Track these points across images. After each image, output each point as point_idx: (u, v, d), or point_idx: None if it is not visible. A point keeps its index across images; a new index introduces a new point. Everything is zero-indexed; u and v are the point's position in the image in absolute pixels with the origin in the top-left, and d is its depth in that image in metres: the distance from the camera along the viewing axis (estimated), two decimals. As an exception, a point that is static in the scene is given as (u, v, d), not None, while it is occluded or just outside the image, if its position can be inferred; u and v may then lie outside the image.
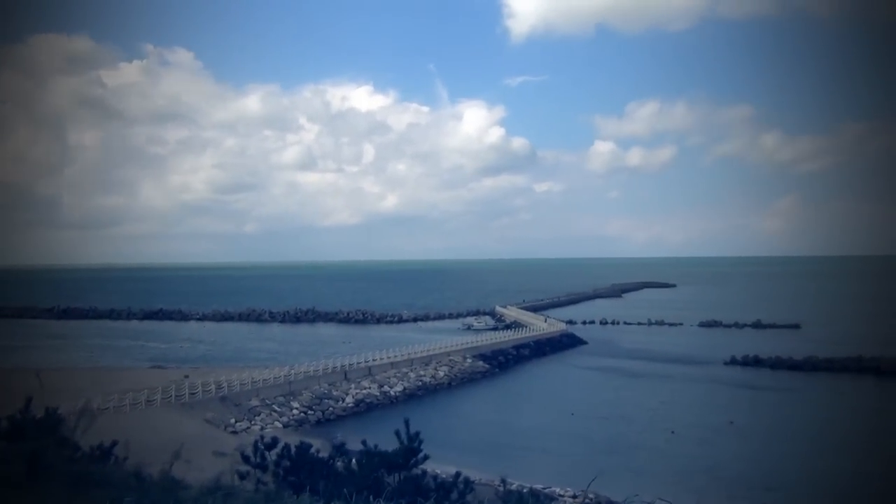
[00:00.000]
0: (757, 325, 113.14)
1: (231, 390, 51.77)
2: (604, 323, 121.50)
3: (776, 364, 74.20)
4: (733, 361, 76.48)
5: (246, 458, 12.51)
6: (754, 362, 75.55)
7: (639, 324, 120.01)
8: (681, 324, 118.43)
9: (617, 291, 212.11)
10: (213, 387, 51.24)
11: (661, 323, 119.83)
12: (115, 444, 11.86)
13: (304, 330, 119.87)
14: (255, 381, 53.91)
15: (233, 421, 47.62)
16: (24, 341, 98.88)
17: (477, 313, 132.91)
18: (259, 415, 49.65)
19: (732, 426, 49.04)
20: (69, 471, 7.50)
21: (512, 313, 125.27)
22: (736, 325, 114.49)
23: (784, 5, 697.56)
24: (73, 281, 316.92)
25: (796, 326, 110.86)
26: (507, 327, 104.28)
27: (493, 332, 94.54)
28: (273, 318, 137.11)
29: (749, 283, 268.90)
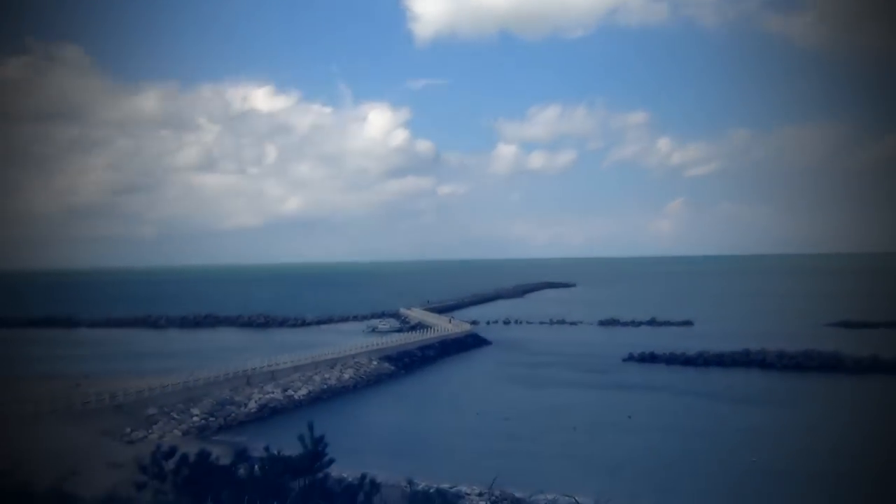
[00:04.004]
0: (652, 323, 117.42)
1: (127, 399, 49.81)
2: (507, 322, 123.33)
3: (671, 360, 77.22)
4: (631, 358, 79.10)
5: (143, 469, 12.09)
6: (650, 358, 78.36)
7: (541, 323, 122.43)
8: (581, 322, 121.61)
9: (519, 291, 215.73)
10: (106, 396, 49.16)
11: (562, 322, 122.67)
12: (-2, 458, 11.25)
13: (203, 335, 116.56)
14: (153, 389, 52.05)
15: (129, 431, 45.82)
16: None
17: (382, 315, 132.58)
18: (157, 423, 47.95)
19: (631, 421, 50.66)
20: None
21: (417, 315, 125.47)
22: (633, 322, 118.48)
23: (675, 16, 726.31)
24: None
25: (689, 323, 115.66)
26: (412, 329, 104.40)
27: (397, 334, 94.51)
28: (170, 323, 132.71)
29: (644, 282, 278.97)
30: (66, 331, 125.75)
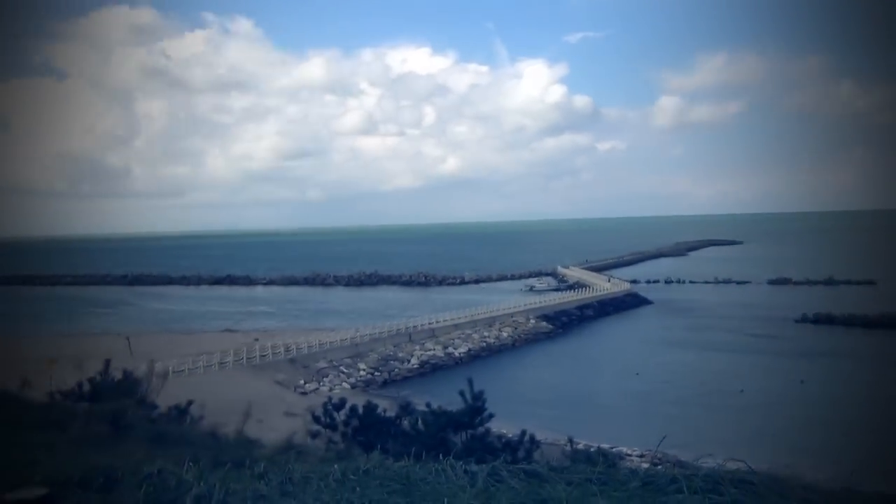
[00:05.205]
0: (829, 282, 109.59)
1: (299, 352, 53.02)
2: (668, 282, 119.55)
3: (849, 321, 71.99)
4: (804, 319, 74.49)
5: (316, 419, 12.85)
6: (827, 320, 73.43)
7: (705, 282, 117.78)
8: (749, 282, 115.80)
9: (681, 250, 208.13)
10: (282, 349, 52.55)
11: (728, 281, 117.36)
12: (190, 404, 12.29)
13: (367, 293, 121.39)
14: (323, 344, 55.07)
15: (302, 382, 48.80)
16: (102, 308, 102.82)
17: (539, 274, 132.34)
18: (327, 376, 50.75)
19: (804, 387, 47.94)
20: (149, 430, 7.80)
21: (574, 274, 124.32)
22: (807, 282, 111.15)
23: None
24: (144, 249, 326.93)
25: (871, 283, 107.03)
26: (570, 288, 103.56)
27: (555, 293, 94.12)
28: (337, 281, 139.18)
29: (820, 239, 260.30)
30: (244, 288, 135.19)
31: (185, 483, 4.16)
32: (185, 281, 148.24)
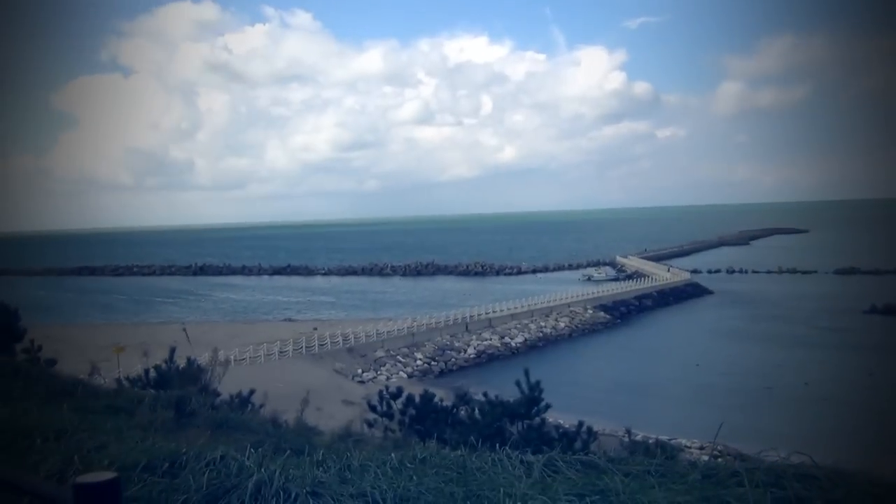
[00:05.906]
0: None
1: (357, 342, 53.62)
2: (731, 272, 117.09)
3: (922, 312, 69.39)
4: (873, 310, 72.06)
5: (373, 408, 13.01)
6: (897, 311, 70.89)
7: (768, 272, 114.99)
8: (815, 271, 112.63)
9: (744, 239, 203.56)
10: (340, 338, 53.22)
11: (793, 271, 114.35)
12: (252, 392, 12.57)
13: (424, 283, 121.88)
14: (380, 333, 55.57)
15: (359, 371, 49.39)
16: (167, 297, 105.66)
17: (597, 264, 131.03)
18: (384, 365, 51.24)
19: (871, 379, 46.44)
20: (211, 417, 7.99)
21: (633, 263, 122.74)
22: (876, 271, 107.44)
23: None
24: (206, 240, 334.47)
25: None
26: (629, 277, 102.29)
27: (613, 283, 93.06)
28: (395, 271, 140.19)
29: (889, 227, 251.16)
30: (304, 279, 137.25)
31: (246, 469, 4.25)
32: (246, 271, 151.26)
